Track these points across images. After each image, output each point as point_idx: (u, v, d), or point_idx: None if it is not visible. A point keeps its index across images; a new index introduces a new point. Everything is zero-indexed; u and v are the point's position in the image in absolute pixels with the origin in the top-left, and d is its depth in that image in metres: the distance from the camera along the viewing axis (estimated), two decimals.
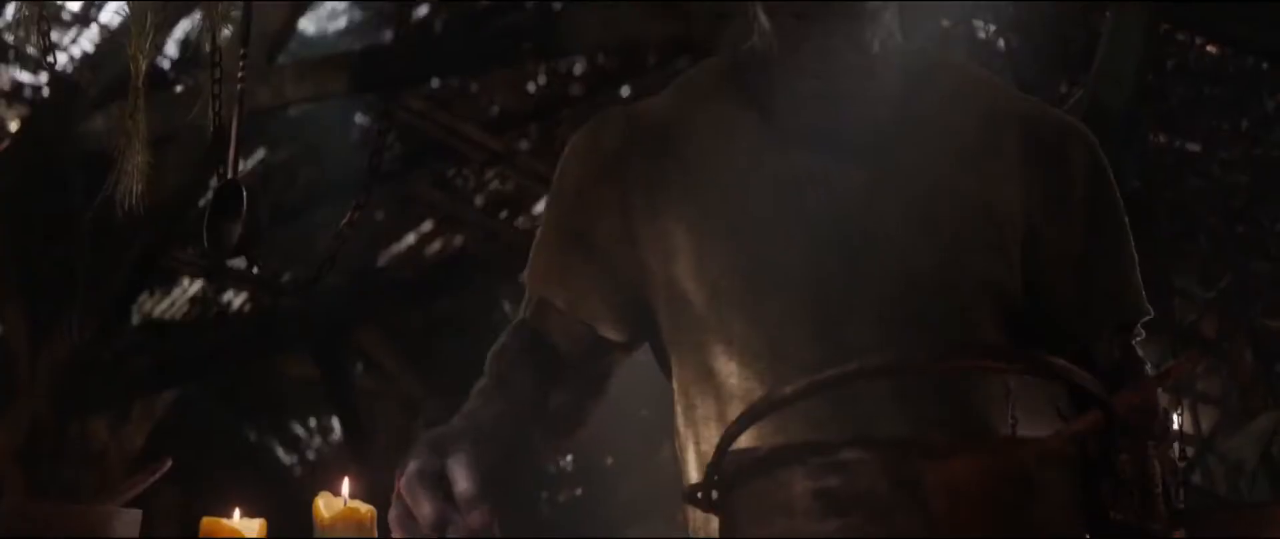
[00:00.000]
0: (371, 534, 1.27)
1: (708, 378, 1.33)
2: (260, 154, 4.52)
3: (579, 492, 5.75)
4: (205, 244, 1.16)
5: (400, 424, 5.68)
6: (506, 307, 4.76)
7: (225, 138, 1.29)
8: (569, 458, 5.48)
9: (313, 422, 6.11)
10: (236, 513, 1.28)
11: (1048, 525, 0.92)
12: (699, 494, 0.99)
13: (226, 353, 4.92)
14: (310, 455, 6.17)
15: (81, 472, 4.42)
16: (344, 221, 1.20)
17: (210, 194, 1.27)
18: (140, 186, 1.25)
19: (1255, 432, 3.31)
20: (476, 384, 1.36)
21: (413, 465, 1.18)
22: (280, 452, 5.99)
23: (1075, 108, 3.07)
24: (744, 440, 0.97)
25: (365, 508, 1.28)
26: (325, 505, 1.27)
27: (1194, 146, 3.88)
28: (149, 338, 4.83)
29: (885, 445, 0.93)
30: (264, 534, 1.26)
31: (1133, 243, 1.37)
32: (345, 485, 1.30)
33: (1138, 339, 1.39)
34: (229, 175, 1.14)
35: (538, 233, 1.45)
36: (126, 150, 1.23)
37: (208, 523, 1.25)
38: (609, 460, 5.41)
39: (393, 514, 1.20)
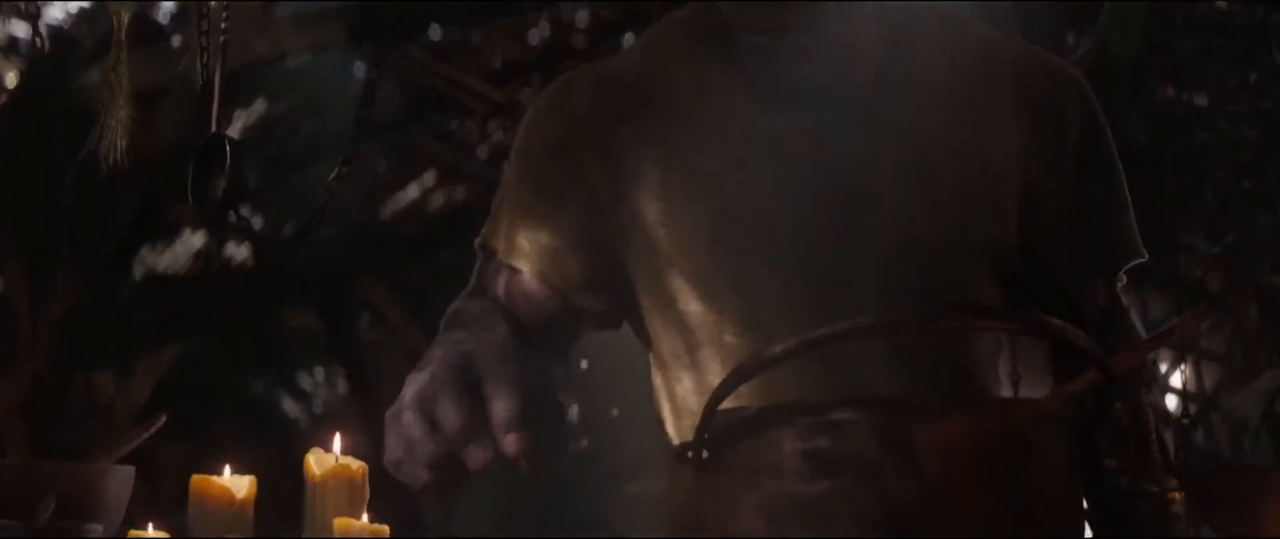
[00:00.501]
0: (364, 492, 1.26)
1: (698, 347, 1.30)
2: (261, 107, 4.49)
3: (585, 443, 5.77)
4: (190, 199, 1.14)
5: (405, 375, 5.68)
6: None
7: (214, 92, 1.27)
8: (575, 409, 5.49)
9: (319, 374, 6.12)
10: (227, 470, 1.27)
11: (1044, 487, 0.91)
12: (689, 454, 0.98)
13: (230, 306, 4.92)
14: (316, 408, 6.19)
15: (88, 427, 4.43)
16: (332, 176, 1.18)
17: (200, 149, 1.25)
18: (124, 141, 1.23)
19: (1259, 389, 3.30)
20: (448, 337, 1.22)
21: (442, 366, 1.03)
22: (286, 405, 6.01)
23: (1082, 60, 3.04)
24: (735, 405, 0.96)
25: (357, 465, 1.26)
26: (316, 462, 1.26)
27: (1202, 100, 3.84)
28: (152, 292, 4.83)
29: (877, 406, 0.92)
30: (254, 491, 1.26)
31: (1126, 187, 1.35)
32: (336, 441, 1.29)
33: (1120, 285, 1.37)
34: (214, 129, 1.12)
35: (499, 196, 1.39)
36: (110, 104, 1.21)
37: (197, 481, 1.24)
38: (615, 412, 5.42)
39: (407, 417, 1.05)
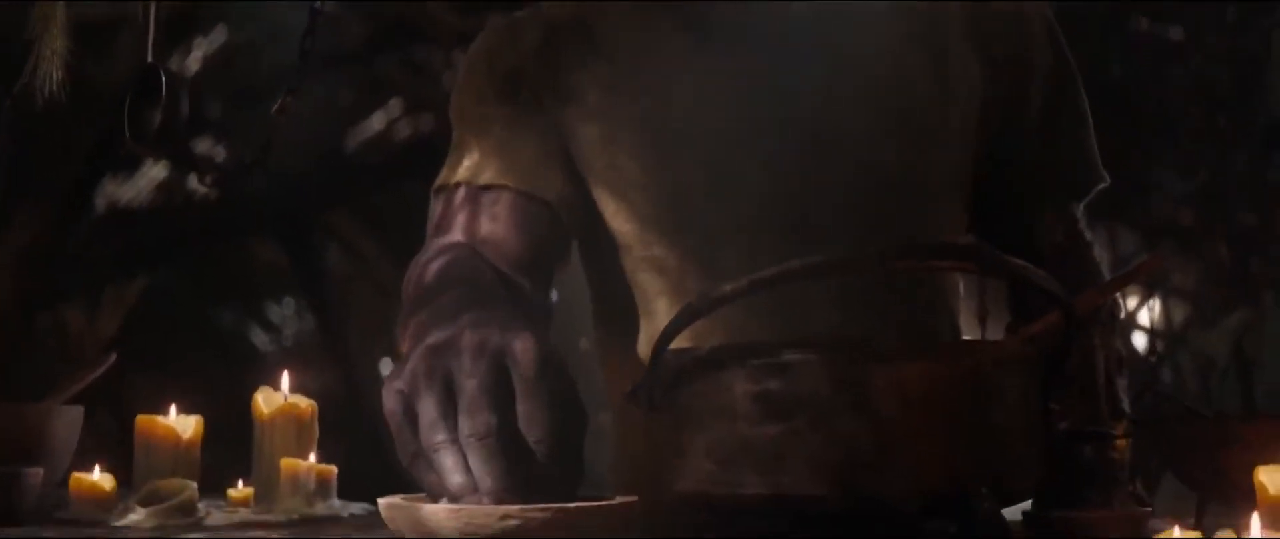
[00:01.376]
0: (313, 431, 1.24)
1: (660, 294, 1.27)
2: (222, 36, 4.41)
3: None
4: (127, 131, 1.10)
5: (375, 307, 5.68)
6: None
7: (163, 22, 1.22)
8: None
9: (288, 306, 6.10)
10: (173, 409, 1.24)
11: (1003, 432, 0.89)
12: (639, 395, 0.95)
13: (195, 239, 4.87)
14: (286, 341, 6.17)
15: (56, 362, 4.39)
16: (275, 108, 1.14)
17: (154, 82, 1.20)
18: (60, 72, 1.18)
19: (1227, 328, 3.31)
20: (424, 305, 1.10)
21: (480, 375, 0.85)
22: (255, 337, 5.98)
23: None
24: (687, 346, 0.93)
25: (305, 403, 1.24)
26: (264, 401, 1.23)
27: (1177, 35, 3.81)
28: (116, 225, 4.77)
29: (830, 347, 0.89)
30: (201, 432, 1.23)
31: (1088, 109, 1.33)
32: (284, 380, 1.26)
33: (1081, 213, 1.35)
34: (149, 59, 1.08)
35: (458, 136, 1.33)
36: (44, 35, 1.16)
37: (143, 420, 1.22)
38: (583, 344, 5.41)
39: (444, 458, 0.85)
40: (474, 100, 1.32)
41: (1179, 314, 3.81)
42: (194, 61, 4.22)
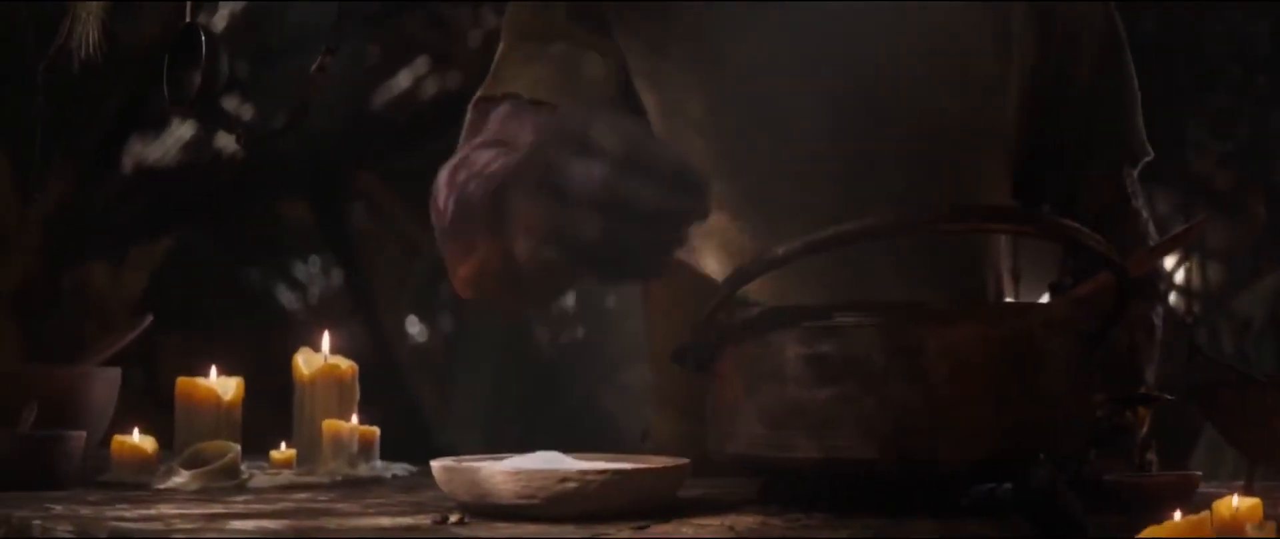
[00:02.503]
0: (354, 392, 1.24)
1: (715, 234, 1.24)
2: None
3: (580, 333, 5.78)
4: (166, 92, 1.09)
5: (400, 264, 5.70)
6: None
7: None
8: (572, 298, 5.49)
9: (315, 264, 6.11)
10: (213, 371, 1.24)
11: (1053, 394, 0.88)
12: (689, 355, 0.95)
13: (222, 197, 4.88)
14: (313, 299, 6.19)
15: (82, 321, 4.42)
16: (314, 66, 1.13)
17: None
18: (97, 33, 1.17)
19: (1264, 289, 3.28)
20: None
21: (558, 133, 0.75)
22: (282, 295, 6.00)
23: None
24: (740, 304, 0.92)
25: (346, 364, 1.24)
26: (305, 362, 1.23)
27: None
28: (143, 184, 4.78)
29: (883, 310, 0.88)
30: (242, 393, 1.23)
31: (1137, 84, 1.32)
32: (325, 340, 1.25)
33: (1131, 182, 1.34)
34: (188, 20, 1.07)
35: (507, 46, 1.25)
36: None
37: (184, 383, 1.21)
38: (610, 302, 5.41)
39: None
40: (537, 11, 1.25)
41: (1215, 275, 3.77)
42: (219, 20, 4.21)
